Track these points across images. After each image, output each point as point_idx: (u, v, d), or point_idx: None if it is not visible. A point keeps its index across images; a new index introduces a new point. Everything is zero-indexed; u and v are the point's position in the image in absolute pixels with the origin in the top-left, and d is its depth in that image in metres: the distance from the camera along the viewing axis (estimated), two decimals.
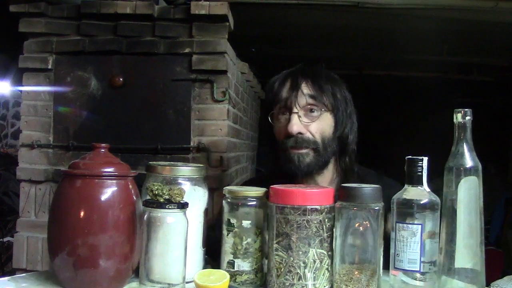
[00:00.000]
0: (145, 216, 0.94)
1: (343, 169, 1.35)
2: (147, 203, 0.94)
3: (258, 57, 3.93)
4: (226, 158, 2.59)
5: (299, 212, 0.93)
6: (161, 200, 0.92)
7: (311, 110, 1.28)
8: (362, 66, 4.86)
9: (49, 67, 2.62)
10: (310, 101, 1.28)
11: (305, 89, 1.29)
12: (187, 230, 0.95)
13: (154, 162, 1.08)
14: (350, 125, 1.34)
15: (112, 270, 0.94)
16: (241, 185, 1.34)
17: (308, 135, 1.27)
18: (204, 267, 1.08)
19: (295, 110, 1.27)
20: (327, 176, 1.36)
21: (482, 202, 0.94)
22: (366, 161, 1.43)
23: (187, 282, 0.96)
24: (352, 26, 3.39)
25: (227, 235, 1.02)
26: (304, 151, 1.27)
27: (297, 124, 1.26)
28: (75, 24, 2.62)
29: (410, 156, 0.97)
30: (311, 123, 1.27)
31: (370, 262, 0.94)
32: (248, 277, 1.01)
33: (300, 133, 1.26)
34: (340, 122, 1.31)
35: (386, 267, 0.98)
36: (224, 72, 2.55)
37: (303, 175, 1.28)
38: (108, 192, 0.94)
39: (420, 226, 0.92)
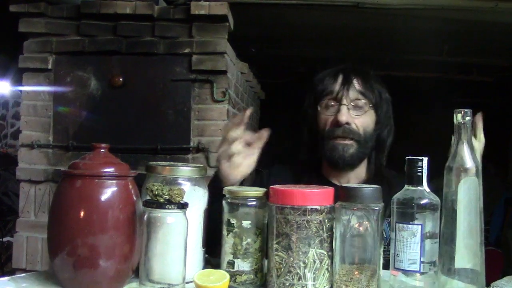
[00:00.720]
0: (145, 216, 0.94)
1: (375, 171, 1.42)
2: (147, 203, 0.94)
3: (258, 57, 3.93)
4: None
5: (299, 212, 0.93)
6: (161, 200, 0.92)
7: (358, 106, 1.36)
8: (362, 66, 4.86)
9: (49, 67, 2.62)
10: (359, 96, 1.36)
11: (356, 84, 1.37)
12: (187, 230, 0.95)
13: (154, 162, 1.08)
14: (390, 127, 1.43)
15: (112, 270, 0.93)
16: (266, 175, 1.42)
17: (354, 126, 1.34)
18: (204, 267, 1.08)
19: (345, 102, 1.34)
20: (358, 173, 1.42)
21: (482, 202, 0.94)
22: None
23: (187, 282, 0.96)
24: (351, 26, 3.39)
25: (227, 235, 1.02)
26: (349, 142, 1.34)
27: (346, 114, 1.33)
28: (75, 24, 2.62)
29: (410, 156, 0.97)
30: (358, 116, 1.35)
31: (370, 262, 0.94)
32: (248, 277, 1.01)
33: (347, 123, 1.33)
34: (381, 121, 1.40)
35: (386, 267, 0.98)
36: (224, 72, 2.55)
37: (345, 164, 1.35)
38: (108, 192, 0.94)
39: (420, 226, 0.92)
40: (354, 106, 1.36)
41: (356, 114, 1.35)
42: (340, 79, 1.38)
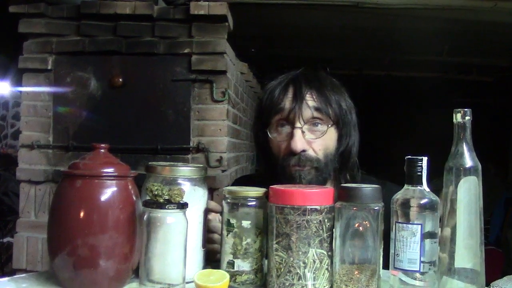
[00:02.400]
0: (145, 217, 0.94)
1: (344, 178, 1.27)
2: (147, 204, 0.94)
3: (257, 57, 3.93)
4: (226, 158, 2.59)
5: (299, 212, 0.93)
6: (161, 200, 0.92)
7: (315, 124, 1.19)
8: (362, 66, 4.87)
9: (49, 67, 2.63)
10: (315, 114, 1.18)
11: (310, 100, 1.18)
12: (187, 230, 0.95)
13: (154, 163, 1.08)
14: (354, 137, 1.25)
15: (112, 270, 0.94)
16: (233, 183, 1.32)
17: (311, 152, 1.18)
18: (204, 267, 1.08)
19: (298, 124, 1.17)
20: (330, 186, 1.27)
21: (482, 202, 0.94)
22: (366, 162, 1.43)
23: (187, 282, 0.96)
24: (352, 26, 3.39)
25: (227, 235, 1.02)
26: (306, 169, 1.17)
27: (301, 141, 1.16)
28: (75, 24, 2.62)
29: (409, 156, 0.97)
30: (316, 139, 1.18)
31: (370, 262, 0.94)
32: (248, 277, 1.01)
33: (303, 150, 1.17)
34: (344, 136, 1.23)
35: (386, 267, 0.98)
36: (223, 72, 2.55)
37: None
38: (108, 192, 0.94)
39: (419, 226, 0.92)
40: (310, 126, 1.18)
41: (313, 137, 1.18)
42: (290, 93, 1.19)
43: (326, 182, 1.24)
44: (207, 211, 1.09)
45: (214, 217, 1.15)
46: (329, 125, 1.19)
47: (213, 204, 1.15)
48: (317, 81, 1.22)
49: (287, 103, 1.19)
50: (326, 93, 1.20)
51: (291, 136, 1.17)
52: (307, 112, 1.17)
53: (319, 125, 1.19)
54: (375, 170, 1.46)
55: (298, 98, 1.17)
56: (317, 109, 1.18)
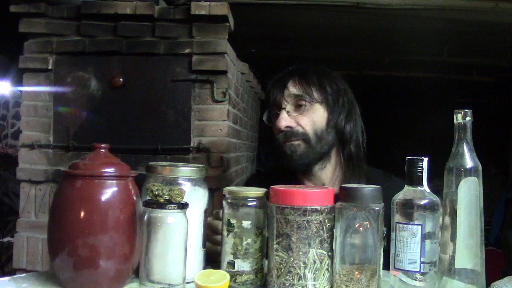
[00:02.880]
0: (145, 217, 0.94)
1: (348, 165, 1.36)
2: (147, 204, 0.94)
3: (258, 58, 3.93)
4: (226, 158, 2.59)
5: (299, 213, 0.93)
6: (161, 200, 0.93)
7: (298, 105, 1.33)
8: (362, 66, 4.86)
9: (49, 67, 2.62)
10: (296, 95, 1.32)
11: (291, 86, 1.34)
12: (187, 231, 0.95)
13: (154, 163, 1.08)
14: (344, 115, 1.35)
15: (112, 270, 0.94)
16: (243, 185, 1.36)
17: (297, 128, 1.31)
18: (204, 267, 1.08)
19: (283, 106, 1.32)
20: (329, 170, 1.37)
21: (482, 202, 0.94)
22: (366, 162, 1.43)
23: (187, 283, 0.96)
24: (352, 26, 3.39)
25: (227, 235, 1.02)
26: (294, 142, 1.30)
27: (285, 118, 1.31)
28: (75, 24, 2.62)
29: (410, 157, 0.97)
30: (299, 115, 1.32)
31: (370, 262, 0.94)
32: (248, 278, 1.01)
33: (289, 127, 1.31)
34: (331, 113, 1.34)
35: (386, 267, 0.98)
36: (224, 72, 2.55)
37: (297, 166, 1.32)
38: (108, 192, 0.94)
39: (420, 226, 0.92)
40: (294, 107, 1.33)
41: (297, 114, 1.32)
42: (277, 85, 1.37)
43: (326, 158, 1.35)
44: (207, 211, 1.10)
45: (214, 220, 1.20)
46: (312, 103, 1.32)
47: (214, 223, 1.20)
48: (299, 71, 1.38)
49: (275, 92, 1.35)
50: (307, 78, 1.35)
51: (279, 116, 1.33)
52: (288, 95, 1.33)
53: (302, 105, 1.32)
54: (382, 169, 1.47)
55: (281, 84, 1.35)
56: (297, 91, 1.33)
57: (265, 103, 1.42)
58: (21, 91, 2.78)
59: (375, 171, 1.40)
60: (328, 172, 1.37)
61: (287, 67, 1.43)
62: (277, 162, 1.37)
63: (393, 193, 0.99)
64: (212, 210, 1.21)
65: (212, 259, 1.12)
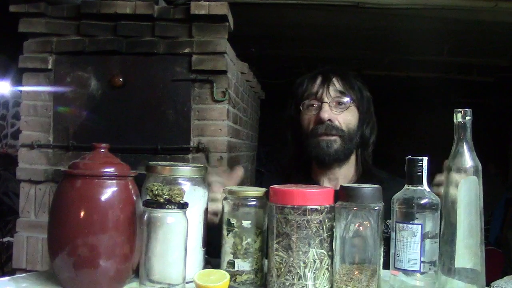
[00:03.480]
0: (145, 216, 0.94)
1: (362, 169, 1.43)
2: (147, 203, 0.94)
3: (258, 57, 3.93)
4: (226, 158, 2.59)
5: (299, 212, 0.93)
6: (161, 200, 0.92)
7: (340, 103, 1.38)
8: (362, 66, 4.86)
9: (49, 67, 2.63)
10: (339, 94, 1.38)
11: (336, 82, 1.39)
12: (187, 230, 0.95)
13: (154, 162, 1.08)
14: (372, 125, 1.44)
15: (112, 270, 0.93)
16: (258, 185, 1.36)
17: (336, 123, 1.36)
18: (204, 267, 1.08)
19: (326, 100, 1.36)
20: (346, 171, 1.43)
21: (482, 202, 0.94)
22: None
23: (187, 282, 0.96)
24: (352, 26, 3.39)
25: (227, 235, 1.02)
26: (332, 138, 1.35)
27: (328, 111, 1.35)
28: (75, 24, 2.62)
29: (410, 156, 0.97)
30: (340, 113, 1.37)
31: (370, 262, 0.94)
32: (248, 277, 1.01)
33: (330, 120, 1.35)
34: (364, 118, 1.41)
35: (386, 267, 0.98)
36: (224, 72, 2.55)
37: (331, 160, 1.36)
38: (108, 192, 0.94)
39: (420, 226, 0.92)
40: (336, 103, 1.38)
41: (338, 111, 1.37)
42: (319, 79, 1.41)
43: (350, 156, 1.41)
44: (207, 210, 1.09)
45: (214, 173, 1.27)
46: (351, 103, 1.39)
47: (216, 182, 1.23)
48: (342, 71, 1.43)
49: (317, 86, 1.40)
50: (350, 79, 1.42)
51: (320, 108, 1.37)
52: (333, 91, 1.38)
53: (343, 104, 1.38)
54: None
55: (326, 81, 1.39)
56: (341, 91, 1.39)
57: (297, 95, 1.43)
58: (20, 91, 2.78)
59: (383, 175, 1.44)
60: (345, 173, 1.42)
61: (289, 66, 1.45)
62: (308, 153, 1.39)
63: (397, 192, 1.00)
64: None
65: (212, 254, 1.12)
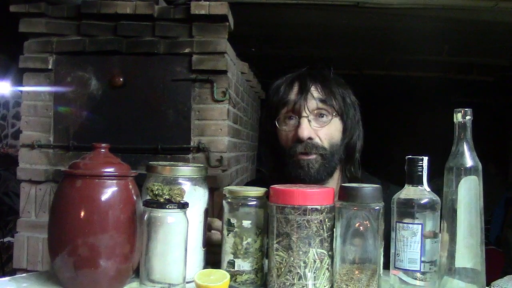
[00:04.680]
0: (146, 216, 0.94)
1: (348, 178, 1.31)
2: (147, 203, 0.94)
3: (258, 57, 3.93)
4: (226, 158, 2.59)
5: (299, 212, 0.93)
6: (162, 200, 0.92)
7: (321, 115, 1.24)
8: (362, 66, 4.86)
9: (49, 67, 2.62)
10: (320, 105, 1.24)
11: (315, 92, 1.24)
12: (187, 230, 0.95)
13: (154, 162, 1.08)
14: (358, 132, 1.30)
15: (113, 270, 0.94)
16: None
17: (317, 140, 1.23)
18: (205, 267, 1.08)
19: (304, 114, 1.23)
20: (333, 182, 1.30)
21: (483, 202, 0.94)
22: (366, 162, 1.43)
23: (187, 282, 0.96)
24: (352, 26, 3.39)
25: (227, 235, 1.02)
26: (313, 157, 1.22)
27: (307, 128, 1.21)
28: (75, 24, 2.62)
29: (410, 156, 0.97)
30: (321, 128, 1.23)
31: (370, 261, 0.94)
32: (248, 277, 1.01)
33: (310, 138, 1.22)
34: (348, 128, 1.27)
35: (387, 266, 0.98)
36: (224, 72, 2.55)
37: (312, 181, 1.22)
38: (109, 192, 0.94)
39: (420, 225, 0.92)
40: (316, 116, 1.24)
41: (318, 126, 1.23)
42: (296, 87, 1.26)
43: (333, 173, 1.27)
44: (207, 210, 1.10)
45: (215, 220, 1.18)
46: (334, 115, 1.25)
47: (215, 223, 1.18)
48: (321, 76, 1.29)
49: (293, 95, 1.25)
50: (330, 86, 1.26)
51: (298, 125, 1.23)
52: (312, 103, 1.23)
53: (324, 116, 1.24)
54: (375, 170, 1.46)
55: (304, 91, 1.24)
56: (321, 100, 1.24)
57: (272, 104, 1.29)
58: (21, 91, 2.78)
59: (372, 180, 1.32)
60: (330, 185, 1.28)
61: (290, 66, 1.36)
62: (284, 171, 1.25)
63: (390, 201, 0.98)
64: (212, 210, 1.21)
65: (211, 261, 1.11)
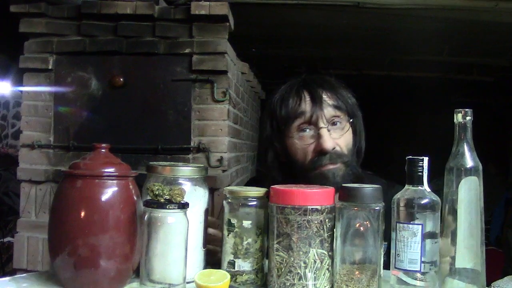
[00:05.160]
0: (146, 216, 0.94)
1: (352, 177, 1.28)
2: (147, 203, 0.94)
3: (258, 57, 3.93)
4: (227, 158, 2.59)
5: (299, 212, 0.93)
6: (162, 200, 0.93)
7: (334, 123, 1.22)
8: (362, 66, 4.86)
9: (50, 67, 2.63)
10: (335, 112, 1.22)
11: (328, 100, 1.22)
12: (187, 230, 0.95)
13: (155, 162, 1.08)
14: (362, 131, 1.30)
15: (113, 270, 0.94)
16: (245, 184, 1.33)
17: (338, 149, 1.21)
18: (205, 267, 1.08)
19: (322, 125, 1.19)
20: None
21: (483, 202, 0.94)
22: (366, 162, 1.43)
23: (187, 282, 0.96)
24: (352, 26, 3.39)
25: (228, 235, 1.02)
26: (338, 165, 1.20)
27: (330, 140, 1.19)
28: (76, 24, 2.62)
29: (410, 156, 0.97)
30: (340, 137, 1.22)
31: (370, 262, 0.94)
32: (248, 277, 1.01)
33: (333, 148, 1.19)
34: (358, 131, 1.27)
35: (387, 267, 0.98)
36: (224, 72, 2.55)
37: (337, 189, 1.16)
38: (109, 192, 0.94)
39: (420, 226, 0.92)
40: (331, 124, 1.21)
41: (337, 135, 1.21)
42: (307, 97, 1.22)
43: (359, 178, 1.22)
44: (208, 211, 1.10)
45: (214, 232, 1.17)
46: (347, 121, 1.24)
47: (212, 221, 1.16)
48: (326, 82, 1.27)
49: (307, 106, 1.21)
50: (339, 91, 1.25)
51: (318, 137, 1.20)
52: (328, 111, 1.21)
53: (338, 123, 1.23)
54: (376, 170, 1.46)
55: (317, 100, 1.20)
56: (336, 107, 1.22)
57: (278, 117, 1.24)
58: (21, 91, 2.78)
59: (377, 180, 1.31)
60: None
61: (290, 66, 1.35)
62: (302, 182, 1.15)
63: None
64: (212, 210, 1.21)
65: (212, 261, 1.11)
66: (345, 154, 1.21)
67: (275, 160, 1.28)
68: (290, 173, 1.25)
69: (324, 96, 1.22)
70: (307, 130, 1.21)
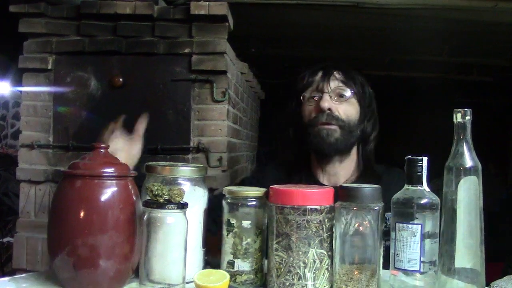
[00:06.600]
0: (145, 217, 0.94)
1: (364, 166, 1.44)
2: (147, 204, 0.94)
3: (258, 57, 3.93)
4: (226, 158, 2.59)
5: (299, 212, 0.93)
6: (161, 200, 0.92)
7: (340, 95, 1.39)
8: (362, 66, 4.85)
9: (49, 67, 2.62)
10: (340, 85, 1.39)
11: (337, 75, 1.41)
12: (187, 231, 0.95)
13: (154, 163, 1.08)
14: (373, 121, 1.45)
15: (112, 270, 0.94)
16: (256, 174, 1.42)
17: (336, 113, 1.37)
18: (204, 267, 1.08)
19: (326, 90, 1.38)
20: (347, 167, 1.43)
21: (482, 202, 0.94)
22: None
23: (187, 282, 0.96)
24: (352, 26, 3.39)
25: (227, 235, 1.02)
26: (332, 127, 1.36)
27: (328, 101, 1.37)
28: (75, 24, 2.62)
29: (410, 156, 0.97)
30: (340, 104, 1.38)
31: (370, 262, 0.94)
32: (248, 277, 1.01)
33: (330, 109, 1.36)
34: (364, 112, 1.42)
35: (386, 267, 0.98)
36: (224, 72, 2.55)
37: (331, 150, 1.37)
38: (108, 192, 0.94)
39: (420, 226, 0.92)
40: (336, 94, 1.39)
41: (338, 102, 1.38)
42: (320, 73, 1.43)
43: (350, 150, 1.42)
44: (207, 211, 1.09)
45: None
46: (351, 95, 1.40)
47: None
48: (343, 66, 1.46)
49: (318, 78, 1.42)
50: (351, 72, 1.44)
51: (320, 99, 1.38)
52: (334, 83, 1.40)
53: (343, 95, 1.39)
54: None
55: (327, 74, 1.41)
56: (342, 81, 1.40)
57: (297, 89, 1.45)
58: (20, 91, 2.78)
59: (382, 169, 1.46)
60: (346, 169, 1.43)
61: (290, 66, 1.47)
62: (308, 143, 1.40)
63: (398, 181, 1.04)
64: None
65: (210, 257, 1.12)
66: (341, 119, 1.37)
67: (295, 137, 1.47)
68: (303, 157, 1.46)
69: (335, 73, 1.41)
70: (316, 97, 1.40)
